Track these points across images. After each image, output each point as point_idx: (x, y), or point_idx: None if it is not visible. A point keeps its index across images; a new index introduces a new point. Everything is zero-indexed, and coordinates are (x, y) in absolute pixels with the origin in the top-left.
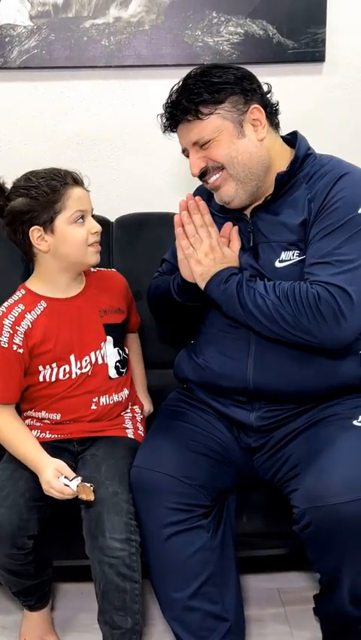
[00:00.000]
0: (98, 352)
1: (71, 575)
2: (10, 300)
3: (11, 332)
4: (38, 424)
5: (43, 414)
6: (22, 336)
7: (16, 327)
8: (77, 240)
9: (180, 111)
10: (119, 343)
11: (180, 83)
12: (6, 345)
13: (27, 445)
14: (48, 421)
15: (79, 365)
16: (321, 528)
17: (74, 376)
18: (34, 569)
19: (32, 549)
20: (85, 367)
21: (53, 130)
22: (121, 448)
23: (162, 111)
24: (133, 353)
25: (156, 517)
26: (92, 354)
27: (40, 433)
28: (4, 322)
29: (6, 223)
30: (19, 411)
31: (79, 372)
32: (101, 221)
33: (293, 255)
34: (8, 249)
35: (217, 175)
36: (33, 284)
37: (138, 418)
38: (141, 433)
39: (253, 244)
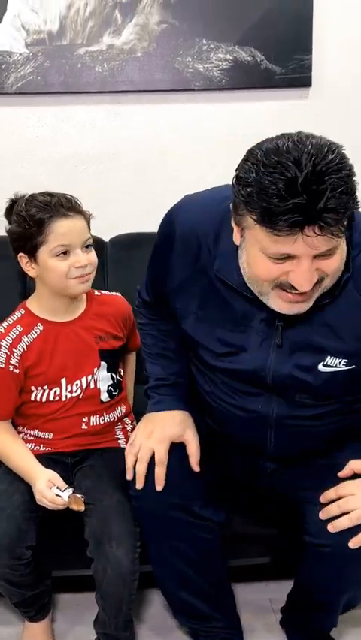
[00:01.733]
0: (90, 377)
1: (68, 586)
2: (10, 320)
3: (8, 353)
4: (32, 438)
5: (35, 432)
6: (19, 357)
7: (13, 349)
8: (58, 272)
9: (326, 219)
10: (113, 368)
11: (323, 178)
12: (2, 366)
13: (21, 457)
14: (41, 439)
15: (69, 389)
16: (340, 554)
17: (64, 399)
18: (33, 579)
19: (31, 559)
20: (75, 391)
21: (49, 152)
22: (118, 458)
23: (155, 134)
24: (126, 373)
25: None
26: (84, 379)
27: (35, 446)
28: (1, 343)
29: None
30: (14, 425)
31: (69, 395)
32: (95, 241)
33: (340, 362)
34: (7, 265)
35: (316, 287)
36: (32, 304)
37: (129, 428)
38: None
39: (282, 341)
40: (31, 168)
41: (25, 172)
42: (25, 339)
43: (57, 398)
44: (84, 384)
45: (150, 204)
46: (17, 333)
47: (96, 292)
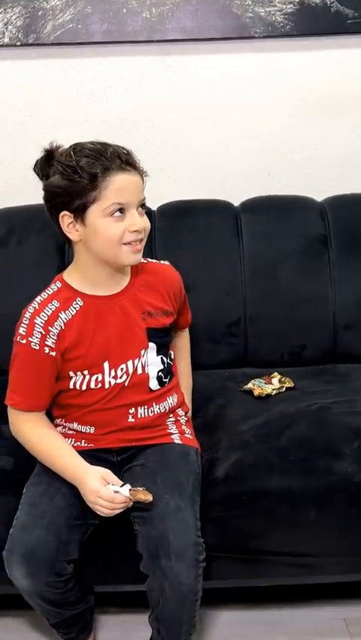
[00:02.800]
0: (137, 361)
1: (112, 600)
2: (44, 294)
3: (43, 333)
4: (71, 432)
5: (75, 425)
6: (55, 338)
7: (49, 328)
8: (109, 236)
9: None
10: (163, 350)
11: None
12: (37, 347)
13: (62, 454)
14: (82, 433)
15: (113, 374)
16: None
17: (107, 386)
18: (75, 597)
19: (72, 575)
20: (120, 377)
21: (90, 111)
22: (172, 456)
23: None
24: (180, 352)
25: None
26: (130, 363)
27: (75, 441)
28: (35, 321)
29: (43, 198)
30: (51, 418)
31: (113, 382)
32: None
33: None
34: (44, 239)
35: None
36: (70, 275)
37: (182, 421)
38: (188, 436)
39: None
40: (70, 129)
41: (63, 133)
42: (62, 315)
43: (99, 385)
44: (130, 369)
45: (203, 168)
46: (53, 310)
47: (142, 259)
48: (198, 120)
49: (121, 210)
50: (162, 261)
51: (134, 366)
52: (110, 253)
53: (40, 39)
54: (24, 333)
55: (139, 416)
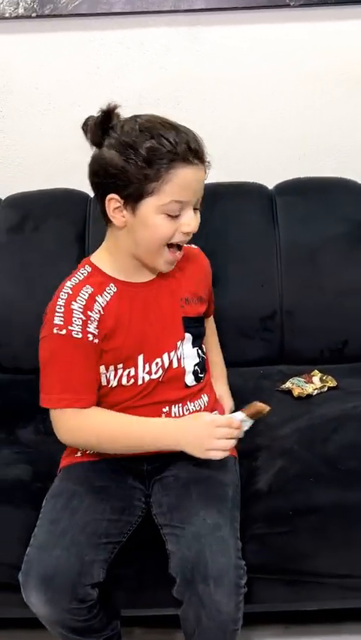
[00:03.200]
0: (173, 354)
1: (137, 622)
2: (75, 279)
3: (84, 318)
4: None
5: None
6: (96, 323)
7: (89, 313)
8: (159, 234)
9: None
10: (198, 341)
11: None
12: (79, 336)
13: (145, 422)
14: None
15: (147, 369)
16: None
17: (140, 382)
18: (100, 623)
19: (97, 600)
20: (155, 372)
21: (111, 88)
22: (208, 466)
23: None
24: (208, 340)
25: None
26: (165, 357)
27: None
28: (72, 307)
29: (90, 170)
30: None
31: (147, 377)
32: None
33: None
34: (62, 225)
35: None
36: (100, 259)
37: None
38: None
39: None
40: (89, 106)
41: (81, 112)
42: (99, 300)
43: (131, 381)
44: (165, 363)
45: (231, 149)
46: (90, 293)
47: None
48: (226, 97)
49: (180, 209)
50: (192, 245)
51: (169, 359)
52: (150, 251)
53: (58, 10)
54: (61, 323)
55: (173, 415)
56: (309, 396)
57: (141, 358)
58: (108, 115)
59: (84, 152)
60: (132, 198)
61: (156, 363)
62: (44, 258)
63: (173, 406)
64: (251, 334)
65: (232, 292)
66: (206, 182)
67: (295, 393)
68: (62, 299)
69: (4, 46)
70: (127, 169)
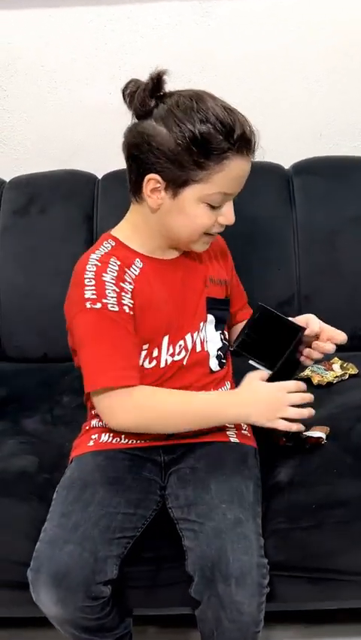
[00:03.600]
0: (196, 335)
1: (151, 621)
2: (99, 252)
3: (117, 290)
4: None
5: None
6: (130, 295)
7: (122, 285)
8: (198, 223)
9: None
10: (221, 325)
11: None
12: (116, 309)
13: (205, 396)
14: None
15: (171, 351)
16: None
17: (162, 365)
18: (112, 622)
19: (110, 598)
20: (178, 354)
21: (119, 65)
22: (228, 457)
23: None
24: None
25: None
26: (189, 338)
27: (113, 438)
28: (104, 279)
29: (125, 139)
30: (86, 408)
31: (170, 359)
32: None
33: None
34: (69, 208)
35: None
36: (124, 234)
37: None
38: (245, 432)
39: None
40: (97, 85)
41: (89, 91)
42: (129, 272)
43: (153, 363)
44: (189, 345)
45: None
46: (118, 266)
47: None
48: (240, 74)
49: (226, 198)
50: None
51: (192, 341)
52: (187, 237)
53: None
54: (94, 297)
55: None
56: (329, 384)
57: (166, 339)
58: (158, 83)
59: (91, 132)
60: (176, 183)
61: (180, 345)
62: (51, 241)
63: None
64: None
65: (247, 276)
66: None
67: (315, 381)
68: (90, 271)
69: (8, 22)
70: (177, 151)
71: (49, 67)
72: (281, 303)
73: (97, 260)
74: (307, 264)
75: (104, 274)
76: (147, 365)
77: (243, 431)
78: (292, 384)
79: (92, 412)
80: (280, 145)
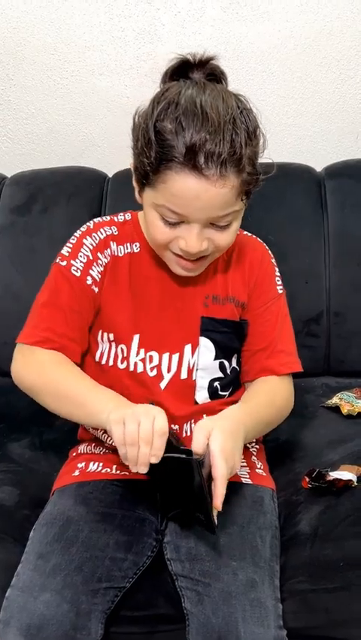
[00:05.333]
0: (176, 357)
1: None
2: (106, 217)
3: (91, 258)
4: (98, 450)
5: (99, 433)
6: (102, 269)
7: (98, 254)
8: (153, 234)
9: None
10: (226, 353)
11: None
12: (78, 274)
13: (82, 385)
14: (113, 451)
15: (141, 356)
16: None
17: (132, 368)
18: None
19: None
20: (152, 370)
21: (137, 55)
22: (239, 502)
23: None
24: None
25: None
26: (166, 358)
27: (103, 467)
28: (84, 242)
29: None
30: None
31: (141, 366)
32: None
33: None
34: (74, 207)
35: None
36: (143, 218)
37: (253, 451)
38: (260, 471)
39: None
40: (109, 78)
41: (104, 82)
42: (112, 246)
43: (124, 364)
44: (164, 367)
45: (275, 127)
46: (107, 235)
47: None
48: (270, 66)
49: (178, 220)
50: (254, 237)
51: (169, 364)
52: (153, 245)
53: None
54: (67, 254)
55: (183, 435)
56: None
57: (136, 339)
58: (183, 65)
59: (105, 127)
60: (140, 179)
61: (150, 358)
62: (53, 243)
63: (185, 424)
64: None
65: None
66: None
67: (344, 410)
68: (80, 230)
69: (16, 4)
70: (139, 139)
71: (60, 55)
72: (308, 321)
73: (94, 223)
74: (339, 278)
75: (87, 237)
76: (119, 364)
77: (257, 470)
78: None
79: (87, 430)
80: (311, 145)
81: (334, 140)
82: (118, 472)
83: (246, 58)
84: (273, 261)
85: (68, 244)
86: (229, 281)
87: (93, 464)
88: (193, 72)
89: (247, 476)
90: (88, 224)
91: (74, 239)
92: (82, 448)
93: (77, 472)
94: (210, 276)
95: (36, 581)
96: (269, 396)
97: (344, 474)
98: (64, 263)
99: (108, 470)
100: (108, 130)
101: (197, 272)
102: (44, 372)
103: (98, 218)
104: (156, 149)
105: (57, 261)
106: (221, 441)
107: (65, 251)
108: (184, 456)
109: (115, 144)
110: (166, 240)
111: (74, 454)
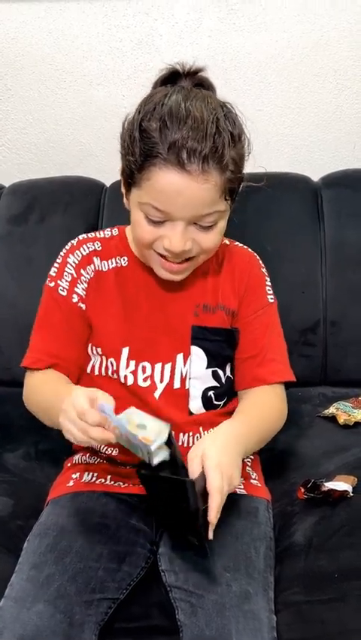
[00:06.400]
0: (168, 367)
1: None
2: (91, 234)
3: (75, 276)
4: (93, 459)
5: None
6: (86, 285)
7: (81, 271)
8: (137, 233)
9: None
10: (218, 361)
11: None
12: (64, 293)
13: (52, 393)
14: (107, 460)
15: (132, 368)
16: None
17: (122, 380)
18: None
19: None
20: (144, 380)
21: (135, 65)
22: (233, 512)
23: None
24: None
25: None
26: (158, 368)
27: (97, 478)
28: (68, 260)
29: None
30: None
31: (131, 379)
32: None
33: None
34: (71, 217)
35: None
36: (130, 229)
37: (248, 461)
38: (255, 482)
39: None
40: (110, 86)
41: (101, 93)
42: (96, 262)
43: (115, 376)
44: (157, 377)
45: (272, 136)
46: (91, 251)
47: (226, 240)
48: (267, 77)
49: (162, 219)
50: (243, 246)
51: (162, 374)
52: (138, 247)
53: None
54: (54, 274)
55: (185, 445)
56: (357, 424)
57: (125, 352)
58: (173, 75)
59: (103, 137)
60: (126, 180)
61: (143, 368)
62: (50, 254)
63: (180, 434)
64: (288, 349)
65: None
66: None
67: (341, 420)
68: (65, 248)
69: (14, 16)
70: (125, 140)
71: (58, 65)
72: (305, 330)
73: (78, 240)
74: (336, 287)
75: (70, 255)
76: (111, 377)
77: (252, 480)
78: (79, 405)
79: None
80: (308, 155)
81: (331, 149)
82: (113, 482)
83: (243, 68)
84: (263, 270)
85: (55, 264)
86: (219, 289)
87: (88, 474)
88: (182, 81)
89: (242, 487)
90: (72, 241)
91: (59, 258)
92: (77, 458)
93: (71, 483)
94: (200, 284)
95: (29, 591)
96: (263, 410)
97: (340, 484)
98: (52, 284)
99: (103, 481)
100: (106, 140)
101: (182, 275)
102: (36, 393)
103: (83, 235)
104: (141, 146)
105: (47, 282)
106: (215, 456)
107: (52, 271)
108: (178, 477)
109: (112, 154)
110: (150, 239)
111: (69, 465)
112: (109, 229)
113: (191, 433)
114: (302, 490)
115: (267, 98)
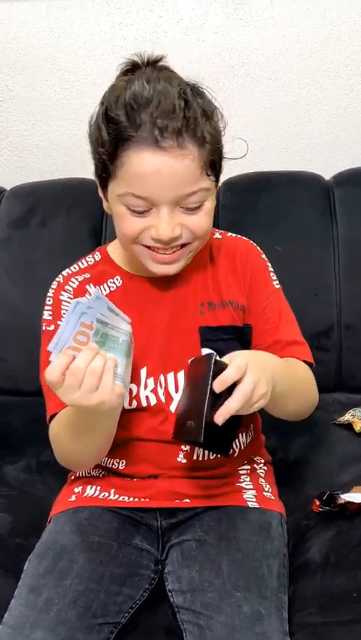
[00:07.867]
0: (181, 374)
1: None
2: (75, 266)
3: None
4: (97, 472)
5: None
6: None
7: None
8: (121, 229)
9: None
10: None
11: None
12: (52, 328)
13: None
14: (112, 473)
15: (152, 387)
16: None
17: (144, 404)
18: None
19: None
20: (161, 394)
21: None
22: (245, 527)
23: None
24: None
25: None
26: (171, 378)
27: (100, 492)
28: (61, 298)
29: None
30: None
31: (153, 398)
32: None
33: None
34: (74, 220)
35: None
36: (113, 247)
37: (261, 472)
38: (268, 495)
39: None
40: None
41: (101, 94)
42: (90, 288)
43: (134, 404)
44: (172, 387)
45: (281, 135)
46: (81, 281)
47: (217, 234)
48: (275, 73)
49: (145, 207)
50: (240, 236)
51: (175, 383)
52: (127, 249)
53: None
54: (50, 317)
55: (195, 457)
56: None
57: (144, 372)
58: (132, 67)
59: None
60: (101, 177)
61: (162, 382)
62: (52, 258)
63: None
64: None
65: None
66: (250, 170)
67: (357, 427)
68: (52, 288)
69: (15, 14)
70: (93, 135)
71: (60, 65)
72: (318, 334)
73: (63, 276)
74: (350, 288)
75: (62, 292)
76: (126, 406)
77: (265, 493)
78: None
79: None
80: (318, 153)
81: (342, 147)
82: (116, 496)
83: (251, 64)
84: (263, 256)
85: (46, 307)
86: (222, 285)
87: (91, 488)
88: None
89: (254, 500)
90: (57, 279)
91: (49, 299)
92: (80, 470)
93: (73, 497)
94: (200, 282)
95: (27, 617)
96: (297, 368)
97: (357, 496)
98: (51, 327)
99: (106, 495)
100: None
101: (176, 266)
102: (58, 441)
103: (66, 270)
104: (110, 133)
105: (43, 327)
106: (250, 359)
107: (46, 315)
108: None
109: None
110: (136, 232)
111: (72, 478)
112: (90, 255)
113: None
114: (317, 502)
115: (276, 95)
